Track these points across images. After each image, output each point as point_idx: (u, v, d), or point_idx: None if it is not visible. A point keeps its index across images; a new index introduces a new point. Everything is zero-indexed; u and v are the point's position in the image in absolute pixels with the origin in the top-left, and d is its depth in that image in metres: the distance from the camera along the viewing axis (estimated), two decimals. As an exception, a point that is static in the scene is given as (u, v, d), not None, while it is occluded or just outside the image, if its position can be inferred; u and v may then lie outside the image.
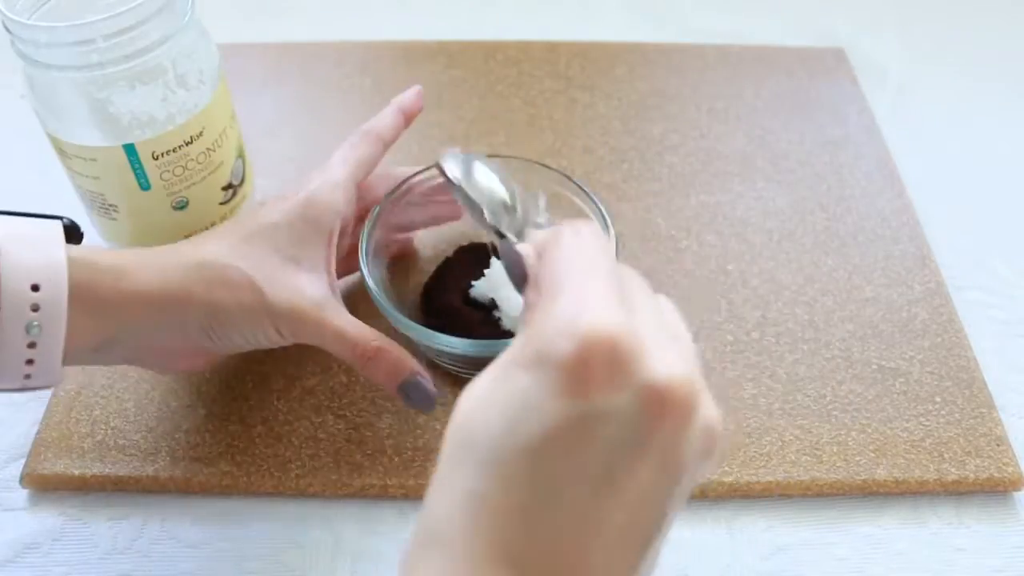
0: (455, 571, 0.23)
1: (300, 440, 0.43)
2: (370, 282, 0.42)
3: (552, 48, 0.67)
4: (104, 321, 0.35)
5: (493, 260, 0.46)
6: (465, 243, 0.50)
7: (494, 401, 0.24)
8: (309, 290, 0.38)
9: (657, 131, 0.60)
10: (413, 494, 0.42)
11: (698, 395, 0.24)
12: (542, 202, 0.46)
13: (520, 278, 0.28)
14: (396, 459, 0.42)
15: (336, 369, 0.46)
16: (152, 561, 0.40)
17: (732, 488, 0.42)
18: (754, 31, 0.70)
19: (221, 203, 0.48)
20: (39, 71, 0.40)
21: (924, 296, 0.50)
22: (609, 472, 0.23)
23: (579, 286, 0.24)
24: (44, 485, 0.42)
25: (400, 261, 0.49)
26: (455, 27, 0.70)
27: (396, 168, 0.47)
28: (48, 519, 0.41)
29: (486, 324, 0.44)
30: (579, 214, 0.45)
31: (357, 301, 0.45)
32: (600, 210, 0.44)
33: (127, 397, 0.45)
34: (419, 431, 0.43)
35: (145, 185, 0.44)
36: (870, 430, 0.44)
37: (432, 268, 0.49)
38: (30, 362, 0.33)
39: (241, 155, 0.49)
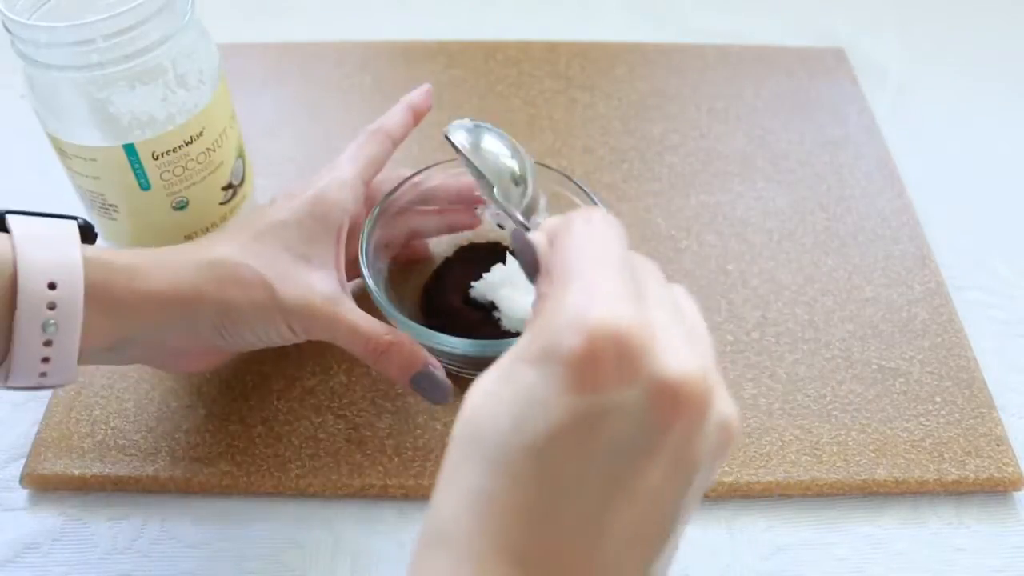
0: (460, 570, 0.22)
1: (300, 440, 0.43)
2: (370, 281, 0.42)
3: (552, 48, 0.67)
4: (119, 320, 0.35)
5: (497, 261, 0.46)
6: (465, 243, 0.50)
7: (501, 397, 0.23)
8: (320, 286, 0.38)
9: (657, 131, 0.60)
10: (413, 494, 0.42)
11: (712, 391, 0.23)
12: (542, 202, 0.46)
13: (532, 267, 0.28)
14: (396, 459, 0.42)
15: (336, 369, 0.46)
16: (152, 561, 0.40)
17: (732, 488, 0.42)
18: (754, 31, 0.70)
19: (221, 203, 0.48)
20: (39, 71, 0.40)
21: (924, 296, 0.50)
22: (618, 471, 0.23)
23: (589, 277, 0.24)
24: (44, 485, 0.42)
25: (404, 262, 0.49)
26: (455, 27, 0.70)
27: (403, 169, 0.47)
28: (48, 519, 0.41)
29: (486, 324, 0.44)
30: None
31: (358, 300, 0.45)
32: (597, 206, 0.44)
33: (127, 397, 0.45)
34: (419, 431, 0.43)
35: (145, 185, 0.44)
36: (870, 430, 0.44)
37: (432, 268, 0.49)
38: (46, 360, 0.33)
39: (241, 155, 0.49)
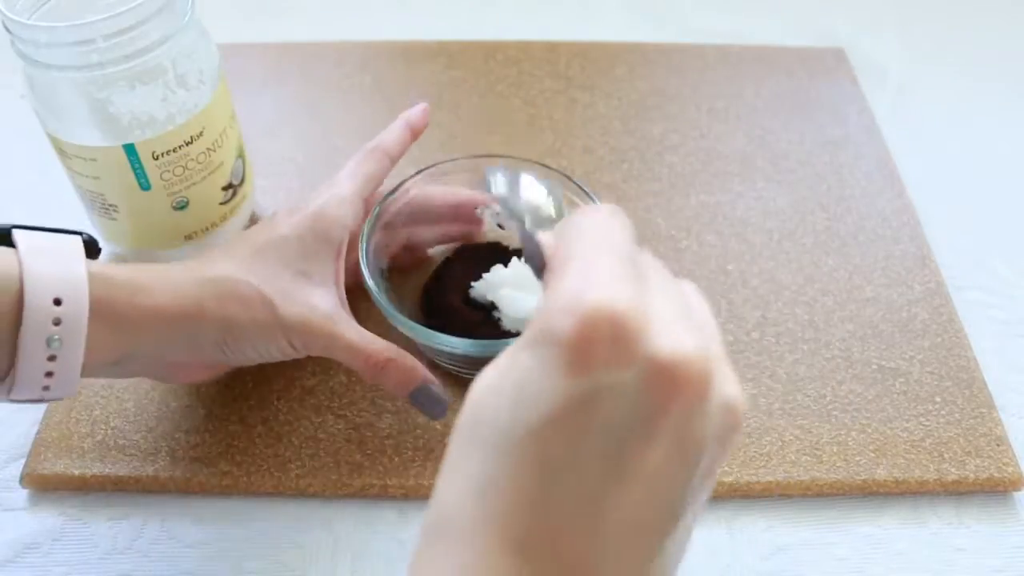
0: (463, 559, 0.22)
1: (300, 440, 0.43)
2: (370, 282, 0.42)
3: (552, 48, 0.67)
4: (121, 336, 0.35)
5: (497, 261, 0.46)
6: (465, 243, 0.50)
7: (501, 386, 0.23)
8: (320, 303, 0.39)
9: (657, 131, 0.60)
10: (413, 494, 0.42)
11: (712, 372, 0.22)
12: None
13: (539, 265, 0.27)
14: (396, 459, 0.42)
15: (336, 369, 0.46)
16: (152, 561, 0.40)
17: (732, 488, 0.42)
18: (754, 31, 0.70)
19: (221, 203, 0.48)
20: (39, 71, 0.40)
21: (924, 296, 0.50)
22: (616, 455, 0.22)
23: (586, 261, 0.23)
24: (44, 485, 0.42)
25: (402, 265, 0.49)
26: (455, 27, 0.70)
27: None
28: (48, 519, 0.41)
29: (486, 324, 0.44)
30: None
31: (358, 301, 0.45)
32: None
33: (127, 397, 0.45)
34: (419, 431, 0.43)
35: (145, 185, 0.44)
36: (870, 430, 0.44)
37: (431, 268, 0.49)
38: (49, 375, 0.33)
39: (241, 155, 0.49)
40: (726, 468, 0.42)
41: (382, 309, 0.41)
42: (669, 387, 0.22)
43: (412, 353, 0.40)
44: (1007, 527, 0.41)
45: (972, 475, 0.42)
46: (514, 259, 0.46)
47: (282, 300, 0.38)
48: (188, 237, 0.48)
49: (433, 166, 0.47)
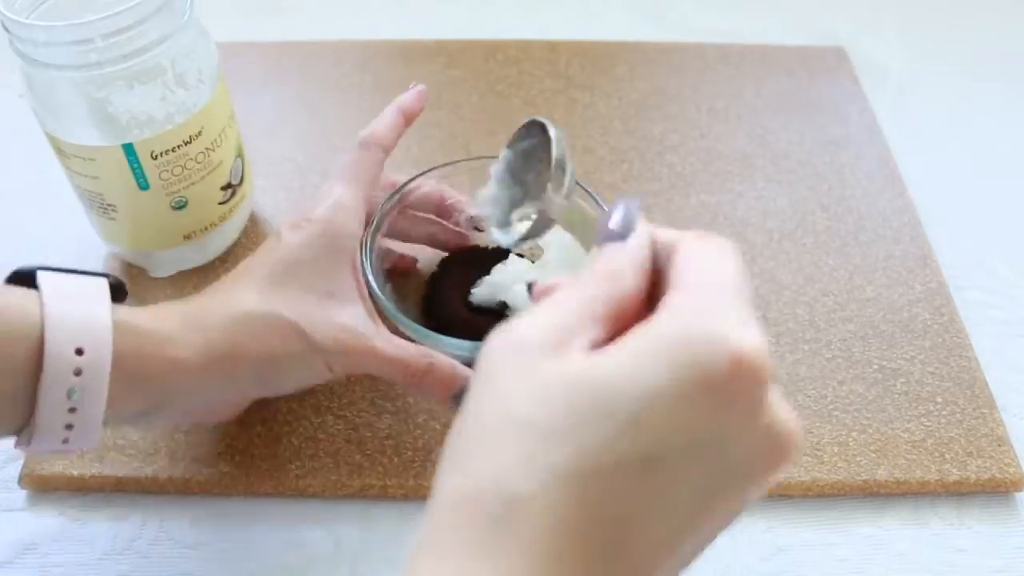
0: (531, 551, 0.21)
1: (300, 440, 0.43)
2: (375, 289, 0.41)
3: (552, 48, 0.67)
4: (150, 388, 0.34)
5: (498, 265, 0.45)
6: (451, 252, 0.50)
7: (627, 390, 0.22)
8: (351, 322, 0.38)
9: (657, 131, 0.60)
10: (413, 494, 0.42)
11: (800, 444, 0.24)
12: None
13: (617, 235, 0.27)
14: (396, 459, 0.42)
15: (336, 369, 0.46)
16: (151, 562, 0.40)
17: (733, 488, 0.42)
18: (754, 31, 0.70)
19: (220, 203, 0.48)
20: (37, 70, 0.40)
21: (925, 296, 0.50)
22: (712, 497, 0.23)
23: (730, 301, 0.24)
24: (43, 485, 0.42)
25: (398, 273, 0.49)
26: (455, 26, 0.70)
27: (395, 176, 0.47)
28: (47, 519, 0.41)
29: (490, 328, 0.44)
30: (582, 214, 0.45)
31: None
32: (604, 210, 0.44)
33: (126, 397, 0.44)
34: (419, 431, 0.43)
35: (144, 185, 0.44)
36: (871, 430, 0.44)
37: (425, 279, 0.49)
38: (69, 427, 0.32)
39: (240, 154, 0.49)
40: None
41: (390, 315, 0.41)
42: (786, 454, 0.23)
43: None
44: (1008, 528, 0.41)
45: (973, 476, 0.42)
46: (512, 257, 0.46)
47: (314, 326, 0.37)
48: (187, 237, 0.48)
49: (432, 169, 0.47)
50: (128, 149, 0.43)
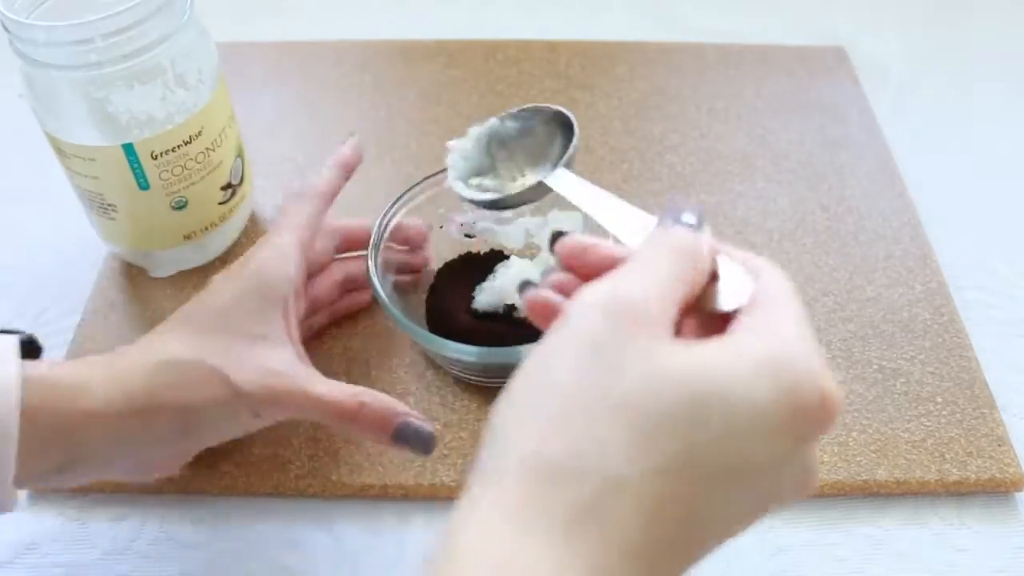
0: (613, 540, 0.21)
1: (300, 440, 0.43)
2: (383, 298, 0.42)
3: (552, 47, 0.67)
4: (64, 442, 0.33)
5: (499, 269, 0.45)
6: (444, 263, 0.50)
7: (741, 402, 0.23)
8: (278, 365, 0.36)
9: (657, 131, 0.60)
10: (413, 494, 0.42)
11: None
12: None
13: (706, 261, 0.28)
14: (396, 460, 0.42)
15: (336, 370, 0.46)
16: (151, 562, 0.40)
17: (733, 489, 0.42)
18: (754, 31, 0.70)
19: (220, 203, 0.48)
20: (38, 70, 0.40)
21: (925, 296, 0.50)
22: (758, 509, 0.25)
23: (807, 332, 0.25)
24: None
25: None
26: (455, 26, 0.70)
27: (337, 221, 0.46)
28: (47, 519, 0.41)
29: (493, 332, 0.44)
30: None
31: (375, 316, 0.44)
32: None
33: (126, 397, 0.44)
34: (419, 431, 0.43)
35: (144, 185, 0.44)
36: (871, 430, 0.43)
37: (425, 287, 0.49)
38: None
39: (240, 155, 0.49)
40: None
41: (399, 324, 0.41)
42: (810, 491, 0.26)
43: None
44: (1008, 528, 0.41)
45: (973, 476, 0.42)
46: (513, 258, 0.46)
47: (238, 371, 0.35)
48: (187, 237, 0.48)
49: (436, 174, 0.47)
50: (128, 149, 0.43)
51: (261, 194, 0.55)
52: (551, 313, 0.26)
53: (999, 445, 0.43)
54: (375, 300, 0.44)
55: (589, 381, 0.23)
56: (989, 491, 0.42)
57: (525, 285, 0.28)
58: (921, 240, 0.53)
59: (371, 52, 0.66)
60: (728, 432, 0.22)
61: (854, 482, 0.42)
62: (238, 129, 0.49)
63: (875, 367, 0.46)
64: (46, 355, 0.36)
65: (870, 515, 0.42)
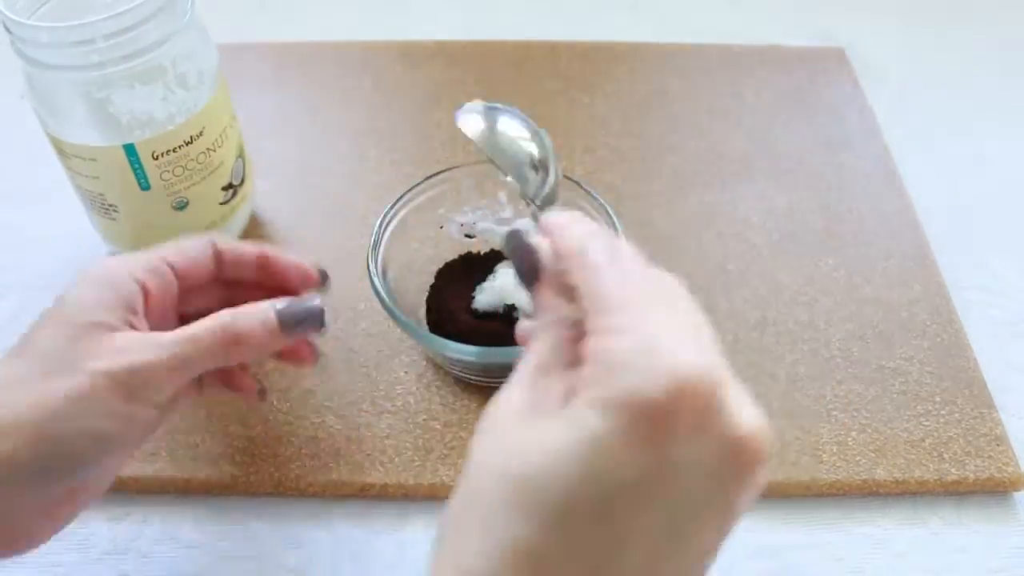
0: None
1: (300, 440, 0.43)
2: (385, 298, 0.42)
3: (552, 48, 0.67)
4: None
5: (499, 269, 0.46)
6: (444, 263, 0.50)
7: (561, 447, 0.21)
8: (124, 343, 0.31)
9: (657, 131, 0.60)
10: (413, 494, 0.42)
11: (769, 438, 0.22)
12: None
13: (532, 273, 0.26)
14: (396, 459, 0.42)
15: (337, 369, 0.46)
16: (151, 561, 0.40)
17: (732, 488, 0.42)
18: (754, 31, 0.70)
19: (221, 203, 0.49)
20: (39, 71, 0.41)
21: (924, 296, 0.50)
22: (681, 527, 0.22)
23: (655, 318, 0.22)
24: (44, 485, 0.42)
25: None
26: (455, 27, 0.70)
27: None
28: (48, 519, 0.41)
29: (494, 334, 0.44)
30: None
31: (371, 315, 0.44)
32: (607, 210, 0.44)
33: (127, 397, 0.44)
34: (419, 431, 0.43)
35: (145, 185, 0.44)
36: (870, 430, 0.44)
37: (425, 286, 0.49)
38: None
39: (241, 155, 0.49)
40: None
41: (399, 323, 0.41)
42: (749, 462, 0.21)
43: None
44: (1007, 527, 0.41)
45: (972, 475, 0.42)
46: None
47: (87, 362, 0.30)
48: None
49: (437, 174, 0.47)
50: (129, 149, 0.43)
51: (262, 194, 0.55)
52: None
53: (997, 445, 0.43)
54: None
55: (460, 488, 0.23)
56: (988, 490, 0.42)
57: (514, 234, 0.28)
58: (920, 240, 0.53)
59: (371, 53, 0.66)
60: (583, 475, 0.21)
61: (853, 482, 0.42)
62: (239, 129, 0.49)
63: (874, 367, 0.46)
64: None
65: (869, 514, 0.42)
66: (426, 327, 0.46)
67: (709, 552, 0.23)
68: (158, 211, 0.46)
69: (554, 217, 0.27)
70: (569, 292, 0.25)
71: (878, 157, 0.59)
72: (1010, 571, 0.40)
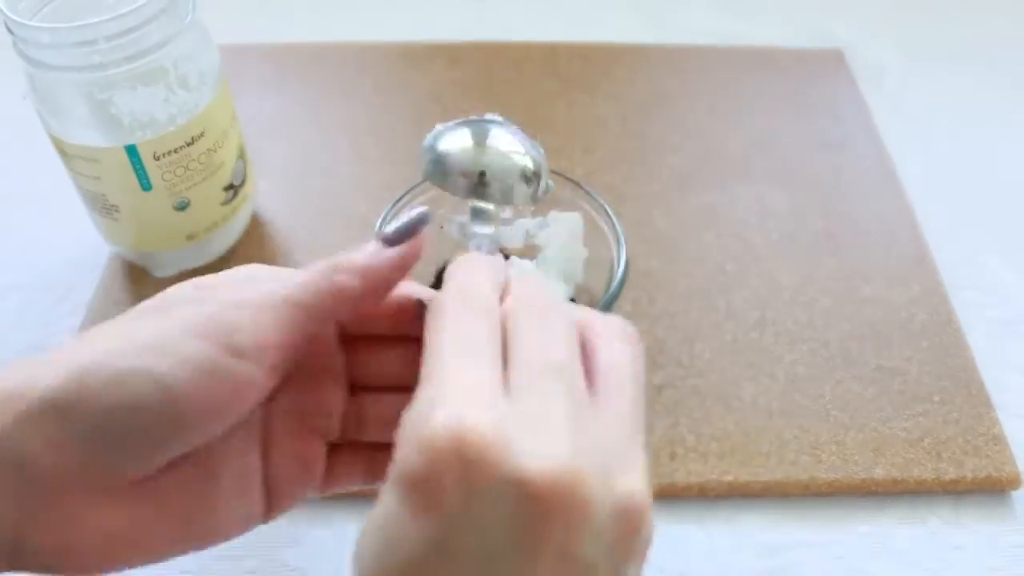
0: None
1: (301, 439, 0.43)
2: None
3: (552, 49, 0.67)
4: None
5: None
6: (444, 263, 0.50)
7: (368, 529, 0.22)
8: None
9: (657, 131, 0.60)
10: (413, 493, 0.42)
11: (590, 481, 0.20)
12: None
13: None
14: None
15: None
16: (153, 560, 0.40)
17: (731, 488, 0.42)
18: (754, 32, 0.70)
19: (222, 204, 0.49)
20: (41, 72, 0.41)
21: (922, 296, 0.50)
22: (509, 569, 0.20)
23: (441, 366, 0.21)
24: (46, 484, 0.42)
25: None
26: (455, 28, 0.71)
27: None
28: (50, 518, 0.41)
29: None
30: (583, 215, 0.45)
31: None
32: (607, 210, 0.44)
33: (128, 397, 0.45)
34: (419, 430, 0.43)
35: (147, 186, 0.45)
36: (868, 429, 0.44)
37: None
38: None
39: (242, 156, 0.50)
40: (725, 468, 0.42)
41: None
42: (539, 508, 0.19)
43: None
44: (1005, 526, 0.42)
45: (970, 474, 0.42)
46: (513, 258, 0.46)
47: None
48: (189, 237, 0.48)
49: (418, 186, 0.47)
50: (131, 150, 0.43)
51: (263, 195, 0.55)
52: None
53: (995, 444, 0.43)
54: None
55: None
56: (986, 490, 0.43)
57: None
58: (918, 240, 0.53)
59: (372, 54, 0.67)
60: (379, 555, 0.21)
61: (851, 481, 0.42)
62: (240, 130, 0.49)
63: (872, 366, 0.46)
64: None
65: (868, 514, 0.42)
66: None
67: None
68: (160, 211, 0.46)
69: (462, 259, 0.25)
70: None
71: (877, 158, 0.59)
72: (1008, 570, 0.40)
